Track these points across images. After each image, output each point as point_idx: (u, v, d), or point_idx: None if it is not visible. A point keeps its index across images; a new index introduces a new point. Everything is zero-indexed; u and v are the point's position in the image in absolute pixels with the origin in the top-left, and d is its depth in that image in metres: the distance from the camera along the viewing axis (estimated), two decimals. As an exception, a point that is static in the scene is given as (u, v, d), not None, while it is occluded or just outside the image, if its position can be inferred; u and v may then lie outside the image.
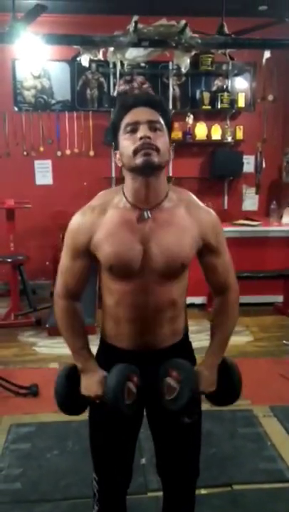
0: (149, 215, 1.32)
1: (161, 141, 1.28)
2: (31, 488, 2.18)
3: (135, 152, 1.26)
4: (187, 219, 1.35)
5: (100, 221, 1.34)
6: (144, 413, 1.53)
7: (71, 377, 1.43)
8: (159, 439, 1.53)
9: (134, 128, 1.27)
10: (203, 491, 2.13)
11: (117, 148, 1.34)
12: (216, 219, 1.40)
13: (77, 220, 1.37)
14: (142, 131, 1.26)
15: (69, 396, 1.43)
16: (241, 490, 2.18)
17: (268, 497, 2.14)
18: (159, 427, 1.51)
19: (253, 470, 2.31)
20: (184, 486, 1.56)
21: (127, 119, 1.29)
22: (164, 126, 1.30)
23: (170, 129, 1.34)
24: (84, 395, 1.40)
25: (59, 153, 5.27)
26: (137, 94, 1.36)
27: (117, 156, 1.34)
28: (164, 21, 2.97)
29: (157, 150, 1.26)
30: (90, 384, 1.39)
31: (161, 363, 1.39)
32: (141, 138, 1.25)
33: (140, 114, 1.28)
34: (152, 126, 1.27)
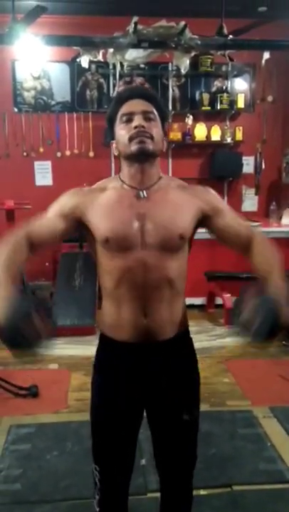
0: (145, 195, 1.38)
1: (155, 130, 1.36)
2: (31, 489, 2.18)
3: (130, 139, 1.34)
4: (182, 195, 1.42)
5: (98, 197, 1.40)
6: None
7: None
8: (158, 436, 1.53)
9: (129, 118, 1.35)
10: (202, 492, 2.13)
11: (113, 138, 1.41)
12: (210, 189, 1.48)
13: (73, 190, 1.45)
14: (137, 120, 1.34)
15: None
16: (241, 491, 2.18)
17: (267, 498, 2.14)
18: (159, 424, 1.51)
19: (252, 471, 2.31)
20: (181, 476, 1.55)
21: (123, 110, 1.37)
22: (158, 118, 1.38)
23: (164, 120, 1.41)
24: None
25: (59, 154, 5.27)
26: (131, 87, 1.47)
27: (114, 145, 1.41)
28: (163, 22, 2.98)
29: (152, 138, 1.34)
30: None
31: (162, 356, 1.39)
32: (136, 127, 1.33)
33: (135, 105, 1.36)
34: (147, 116, 1.35)
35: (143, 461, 2.27)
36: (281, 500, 2.13)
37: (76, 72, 5.12)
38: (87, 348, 3.59)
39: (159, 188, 1.40)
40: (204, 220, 1.42)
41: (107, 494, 1.52)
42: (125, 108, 1.37)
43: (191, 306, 4.58)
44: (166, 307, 1.41)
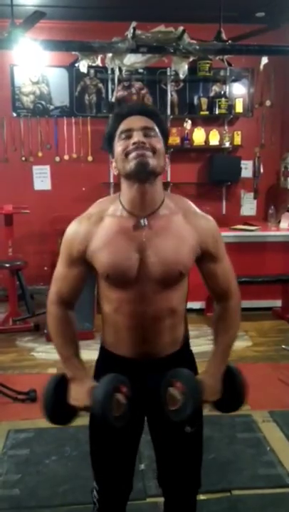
0: (146, 223, 1.30)
1: (158, 146, 1.27)
2: (29, 495, 2.17)
3: (127, 154, 1.25)
4: (185, 226, 1.33)
5: (96, 229, 1.33)
6: (146, 421, 1.52)
7: (60, 386, 1.38)
8: (161, 448, 1.51)
9: (128, 134, 1.27)
10: (202, 497, 2.11)
11: (113, 157, 1.33)
12: (215, 225, 1.39)
13: (73, 228, 1.36)
14: (136, 136, 1.25)
15: (57, 405, 1.38)
16: (240, 495, 2.17)
17: (267, 502, 2.13)
18: (161, 436, 1.49)
19: (252, 475, 2.30)
20: (185, 497, 1.53)
21: (122, 126, 1.29)
22: (159, 134, 1.29)
23: (166, 138, 1.33)
24: (71, 405, 1.35)
25: (57, 159, 5.28)
26: (131, 103, 1.32)
27: (113, 164, 1.33)
28: (162, 28, 2.99)
29: (153, 151, 1.25)
30: (79, 393, 1.33)
31: (161, 370, 1.36)
32: (134, 143, 1.24)
33: (135, 121, 1.28)
34: (147, 132, 1.26)
35: (142, 466, 2.26)
36: (281, 505, 2.12)
37: (75, 76, 5.14)
38: (86, 352, 3.51)
39: (161, 215, 1.32)
40: (198, 256, 1.37)
41: None
42: (124, 125, 1.28)
43: (190, 311, 4.56)
44: (167, 334, 1.40)
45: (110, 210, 1.35)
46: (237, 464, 2.38)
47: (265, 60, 3.35)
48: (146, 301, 1.33)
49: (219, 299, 1.44)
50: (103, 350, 1.48)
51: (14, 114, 5.19)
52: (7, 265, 4.43)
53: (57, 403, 1.38)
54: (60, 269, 1.40)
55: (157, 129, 1.29)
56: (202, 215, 1.38)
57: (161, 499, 1.62)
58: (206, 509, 2.06)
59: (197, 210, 1.39)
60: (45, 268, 5.39)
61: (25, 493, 2.17)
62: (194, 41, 2.98)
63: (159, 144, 1.28)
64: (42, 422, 2.73)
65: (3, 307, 4.79)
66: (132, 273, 1.30)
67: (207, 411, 2.97)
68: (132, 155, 1.24)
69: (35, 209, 4.87)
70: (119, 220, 1.32)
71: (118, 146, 1.28)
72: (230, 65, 3.37)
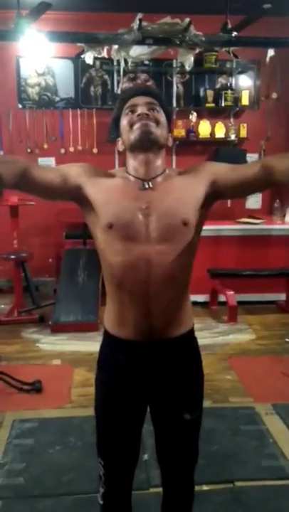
0: (150, 185, 1.36)
1: (161, 119, 1.35)
2: (34, 483, 2.19)
3: (132, 125, 1.33)
4: (185, 180, 1.40)
5: (104, 180, 1.39)
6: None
7: None
8: (160, 433, 1.53)
9: (133, 109, 1.35)
10: (205, 488, 2.14)
11: (119, 136, 1.41)
12: (208, 161, 1.49)
13: (86, 164, 1.45)
14: (140, 109, 1.34)
15: None
16: (243, 487, 2.19)
17: (269, 494, 2.15)
18: (161, 421, 1.51)
19: (254, 467, 2.32)
20: (182, 472, 1.56)
21: (127, 105, 1.38)
22: (162, 113, 1.37)
23: (169, 118, 1.40)
24: None
25: (62, 151, 5.28)
26: (135, 86, 1.43)
27: (119, 142, 1.40)
28: (168, 19, 2.97)
29: (155, 122, 1.33)
30: None
31: (166, 355, 1.38)
32: (138, 114, 1.33)
33: (139, 99, 1.37)
34: (151, 107, 1.35)
35: (145, 457, 2.27)
36: (283, 497, 2.14)
37: (80, 68, 5.12)
38: (90, 344, 3.60)
39: (164, 179, 1.39)
40: (214, 189, 1.38)
41: (111, 488, 1.53)
42: (129, 103, 1.38)
43: (195, 303, 4.56)
44: (171, 306, 1.39)
45: (118, 174, 1.42)
46: (240, 456, 2.40)
47: (271, 52, 3.32)
48: (150, 265, 1.32)
49: (267, 172, 1.32)
50: (107, 336, 1.47)
51: (20, 106, 5.18)
52: (12, 257, 4.45)
53: None
54: (51, 166, 1.45)
55: (161, 110, 1.37)
56: (196, 164, 1.45)
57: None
58: (209, 500, 2.08)
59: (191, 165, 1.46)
60: (50, 260, 5.41)
61: (30, 482, 2.20)
62: (200, 33, 2.96)
63: (162, 118, 1.36)
64: (47, 412, 2.79)
65: (8, 299, 4.82)
66: (136, 227, 1.32)
67: (211, 403, 3.00)
68: (137, 125, 1.33)
69: (40, 201, 4.82)
70: (125, 181, 1.40)
71: (123, 120, 1.37)
72: (236, 57, 3.35)
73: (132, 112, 1.35)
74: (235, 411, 2.82)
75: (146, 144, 1.32)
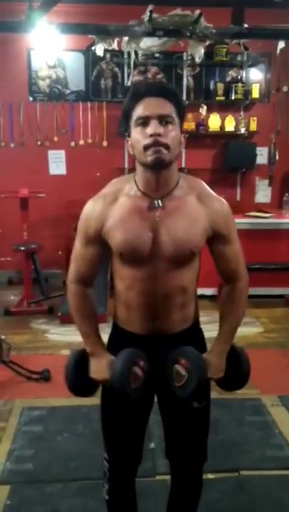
0: (160, 204, 1.34)
1: (172, 135, 1.29)
2: (42, 469, 2.24)
3: (145, 148, 1.28)
4: (198, 207, 1.37)
5: (112, 209, 1.37)
6: (155, 398, 1.56)
7: (80, 360, 1.47)
8: (169, 423, 1.56)
9: (144, 122, 1.28)
10: (210, 476, 2.16)
11: (129, 135, 1.35)
12: (227, 208, 1.42)
13: (89, 208, 1.41)
14: (153, 127, 1.27)
15: (78, 379, 1.47)
16: (248, 476, 2.21)
17: (274, 483, 2.17)
18: (169, 411, 1.54)
19: (260, 457, 2.34)
20: (191, 470, 1.59)
21: (139, 110, 1.29)
22: (176, 118, 1.31)
23: (182, 118, 1.35)
24: (92, 378, 1.45)
25: (72, 144, 5.30)
26: (149, 83, 1.31)
27: (129, 143, 1.35)
28: (178, 11, 2.97)
29: (167, 148, 1.28)
30: (98, 367, 1.43)
31: (171, 346, 1.41)
32: (151, 135, 1.27)
33: (151, 106, 1.28)
34: (163, 120, 1.28)
35: (152, 445, 2.31)
36: (287, 486, 2.15)
37: (91, 61, 5.13)
38: None
39: (175, 196, 1.36)
40: (210, 237, 1.40)
41: (116, 483, 1.57)
42: (141, 109, 1.29)
43: (202, 297, 4.58)
44: (177, 311, 1.44)
45: (125, 189, 1.39)
46: (245, 446, 2.42)
47: (281, 44, 3.30)
48: (157, 279, 1.38)
49: (228, 280, 1.48)
50: (115, 327, 1.53)
51: (30, 99, 5.21)
52: (22, 248, 4.49)
53: (78, 376, 1.46)
54: (78, 248, 1.45)
55: (174, 113, 1.30)
56: (215, 197, 1.41)
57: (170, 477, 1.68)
58: (214, 488, 2.11)
59: (211, 192, 1.42)
60: (60, 252, 5.45)
61: (38, 468, 2.24)
62: (211, 25, 2.96)
63: (174, 132, 1.30)
64: (55, 400, 2.83)
65: (17, 290, 4.87)
66: (144, 251, 1.35)
67: (217, 394, 3.02)
68: (149, 152, 1.28)
69: (50, 193, 4.91)
70: (133, 200, 1.37)
71: (135, 133, 1.31)
72: (246, 49, 3.34)
73: (144, 124, 1.28)
74: (241, 402, 2.84)
75: (158, 169, 1.31)
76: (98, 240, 1.41)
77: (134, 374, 1.36)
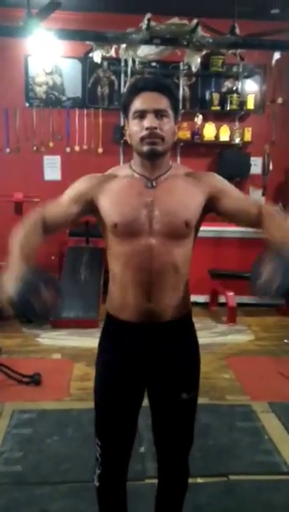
0: (154, 184, 1.43)
1: (166, 128, 1.40)
2: (31, 471, 2.23)
3: (142, 140, 1.39)
4: (190, 183, 1.46)
5: (109, 184, 1.46)
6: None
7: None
8: (157, 413, 1.57)
9: (141, 115, 1.39)
10: (199, 480, 2.17)
11: (128, 125, 1.45)
12: (215, 174, 1.52)
13: (87, 177, 1.50)
14: (149, 120, 1.37)
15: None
16: (237, 480, 2.21)
17: (263, 488, 2.17)
18: (158, 402, 1.55)
19: (249, 462, 2.34)
20: (178, 454, 1.60)
21: (136, 104, 1.40)
22: (171, 112, 1.41)
23: (176, 110, 1.45)
24: None
25: (68, 150, 5.32)
26: (147, 78, 1.45)
27: (127, 133, 1.46)
28: (175, 20, 3.02)
29: (162, 139, 1.39)
30: (6, 279, 1.28)
31: (165, 336, 1.45)
32: (147, 128, 1.37)
33: (148, 101, 1.38)
34: (159, 113, 1.38)
35: (142, 449, 2.31)
36: (277, 491, 2.16)
37: (88, 68, 5.18)
38: (91, 340, 3.63)
39: (169, 179, 1.45)
40: (212, 203, 1.47)
41: (107, 469, 1.57)
42: (138, 103, 1.39)
43: (195, 304, 4.60)
44: (171, 292, 1.46)
45: (122, 173, 1.49)
46: (235, 451, 2.43)
47: (277, 55, 3.36)
48: (152, 255, 1.40)
49: (256, 222, 1.44)
50: (108, 318, 1.53)
51: (27, 104, 5.23)
52: (15, 252, 4.47)
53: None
54: (62, 197, 1.50)
55: (169, 107, 1.40)
56: (203, 172, 1.53)
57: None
58: (203, 492, 2.11)
59: (199, 171, 1.52)
60: (53, 257, 5.44)
61: (28, 470, 2.23)
62: (208, 34, 3.01)
63: (168, 125, 1.40)
64: (45, 404, 2.83)
65: (10, 294, 4.85)
66: (139, 223, 1.40)
67: (208, 400, 3.01)
68: (145, 143, 1.39)
69: (45, 199, 4.83)
70: (129, 179, 1.46)
71: (133, 125, 1.41)
72: (242, 59, 3.39)
73: (141, 117, 1.39)
74: (232, 408, 2.85)
75: (153, 158, 1.42)
76: (83, 204, 1.46)
77: (40, 294, 1.24)
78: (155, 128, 1.37)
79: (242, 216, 1.48)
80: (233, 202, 1.47)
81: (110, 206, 1.43)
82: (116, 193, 1.44)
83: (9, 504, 2.02)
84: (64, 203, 1.49)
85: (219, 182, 1.50)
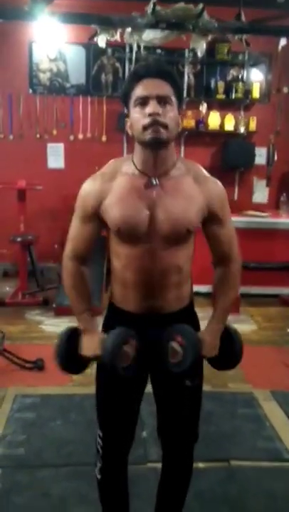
0: (157, 182, 1.37)
1: (170, 116, 1.32)
2: (34, 454, 2.24)
3: (144, 128, 1.31)
4: (194, 188, 1.40)
5: (110, 187, 1.39)
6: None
7: (72, 336, 1.49)
8: (161, 401, 1.57)
9: (143, 102, 1.31)
10: (200, 465, 2.18)
11: (128, 115, 1.38)
12: (223, 190, 1.45)
13: (88, 186, 1.43)
14: (152, 107, 1.30)
15: (69, 354, 1.49)
16: (238, 466, 2.22)
17: (264, 474, 2.18)
18: (162, 390, 1.55)
19: (251, 448, 2.35)
20: (182, 448, 1.60)
21: (138, 91, 1.32)
22: (174, 99, 1.34)
23: (180, 98, 1.38)
24: (83, 356, 1.46)
25: (72, 138, 5.30)
26: (148, 64, 1.40)
27: (128, 123, 1.38)
28: (181, 5, 2.98)
29: (165, 127, 1.31)
30: (90, 344, 1.45)
31: (166, 325, 1.43)
32: (150, 115, 1.30)
33: (150, 87, 1.31)
34: (161, 100, 1.31)
35: (144, 434, 2.31)
36: (278, 478, 2.17)
37: (92, 55, 5.14)
38: None
39: (172, 176, 1.38)
40: (205, 218, 1.43)
41: (108, 462, 1.58)
42: (140, 89, 1.32)
43: (198, 294, 4.59)
44: (173, 291, 1.46)
45: (123, 169, 1.41)
46: (237, 437, 2.43)
47: (283, 41, 3.33)
48: (154, 257, 1.39)
49: (220, 262, 1.50)
50: (111, 306, 1.54)
51: (30, 91, 5.20)
52: (19, 239, 4.48)
53: (70, 353, 1.47)
54: (75, 225, 1.46)
55: (172, 94, 1.34)
56: (212, 178, 1.44)
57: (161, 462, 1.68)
58: (205, 477, 2.12)
59: (207, 174, 1.45)
60: (56, 246, 5.43)
61: (30, 453, 2.24)
62: (213, 19, 2.97)
63: (172, 112, 1.33)
64: (48, 389, 2.83)
65: (13, 282, 4.87)
66: (141, 228, 1.36)
67: (211, 387, 3.02)
68: (148, 131, 1.31)
69: (48, 186, 4.91)
70: (131, 178, 1.39)
71: (134, 113, 1.34)
72: (248, 44, 3.35)
73: (143, 104, 1.31)
74: (234, 396, 2.85)
75: (157, 147, 1.34)
76: (95, 218, 1.42)
77: (124, 352, 1.38)
78: (158, 114, 1.29)
79: (215, 248, 1.48)
80: (219, 233, 1.45)
81: (112, 211, 1.38)
82: (117, 196, 1.37)
83: (12, 486, 2.03)
84: (83, 229, 1.45)
85: (222, 206, 1.43)
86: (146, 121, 1.30)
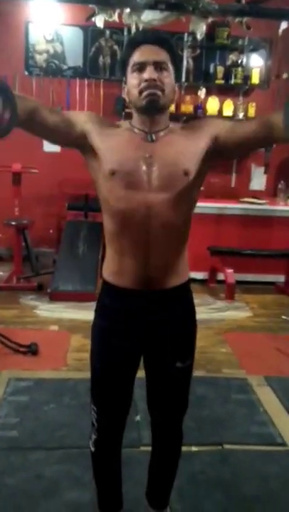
0: (153, 138, 1.40)
1: (166, 81, 1.36)
2: (27, 437, 2.24)
3: (140, 92, 1.35)
4: (187, 134, 1.43)
5: (109, 130, 1.42)
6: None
7: None
8: (153, 379, 1.57)
9: (141, 67, 1.35)
10: (193, 448, 2.19)
11: (125, 82, 1.41)
12: (214, 117, 1.48)
13: (93, 113, 1.48)
14: (148, 72, 1.33)
15: None
16: (232, 450, 2.23)
17: (257, 458, 2.19)
18: (153, 366, 1.55)
19: (244, 432, 2.36)
20: (171, 417, 1.60)
21: (135, 57, 1.36)
22: (170, 66, 1.38)
23: (176, 65, 1.42)
24: None
25: (68, 121, 5.23)
26: (146, 31, 1.45)
27: (125, 90, 1.42)
28: (182, -15, 2.92)
29: (162, 90, 1.35)
30: None
31: (161, 304, 1.42)
32: (147, 80, 1.33)
33: (147, 53, 1.35)
34: (158, 66, 1.35)
35: (138, 418, 2.31)
36: (270, 461, 2.18)
37: (90, 37, 5.05)
38: (88, 313, 3.56)
39: (167, 133, 1.42)
40: (216, 145, 1.40)
41: (102, 434, 1.57)
42: (137, 56, 1.35)
43: (193, 280, 4.59)
44: (169, 256, 1.43)
45: (123, 126, 1.45)
46: (230, 422, 2.44)
47: (284, 25, 3.26)
48: (151, 213, 1.36)
49: (270, 130, 1.32)
50: (105, 285, 1.50)
51: (26, 73, 5.12)
52: (13, 223, 4.45)
53: None
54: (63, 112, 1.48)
55: (169, 60, 1.37)
56: (202, 119, 1.51)
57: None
58: (198, 460, 2.13)
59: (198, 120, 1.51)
60: (51, 231, 5.41)
61: (24, 435, 2.24)
62: (213, 1, 2.91)
63: (168, 79, 1.37)
64: (42, 373, 2.83)
65: (7, 267, 4.84)
66: (137, 175, 1.36)
67: (205, 372, 3.02)
68: (144, 94, 1.34)
69: (44, 171, 4.86)
70: (129, 133, 1.42)
71: (131, 78, 1.38)
72: (249, 28, 3.29)
73: (140, 70, 1.34)
74: (228, 381, 2.86)
75: (153, 111, 1.37)
76: (76, 129, 1.38)
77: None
78: (154, 80, 1.32)
79: (251, 139, 1.38)
80: (234, 133, 1.39)
81: (108, 152, 1.38)
82: (115, 141, 1.39)
83: (4, 468, 2.04)
84: (57, 114, 1.42)
85: (216, 122, 1.47)
86: (143, 85, 1.33)
